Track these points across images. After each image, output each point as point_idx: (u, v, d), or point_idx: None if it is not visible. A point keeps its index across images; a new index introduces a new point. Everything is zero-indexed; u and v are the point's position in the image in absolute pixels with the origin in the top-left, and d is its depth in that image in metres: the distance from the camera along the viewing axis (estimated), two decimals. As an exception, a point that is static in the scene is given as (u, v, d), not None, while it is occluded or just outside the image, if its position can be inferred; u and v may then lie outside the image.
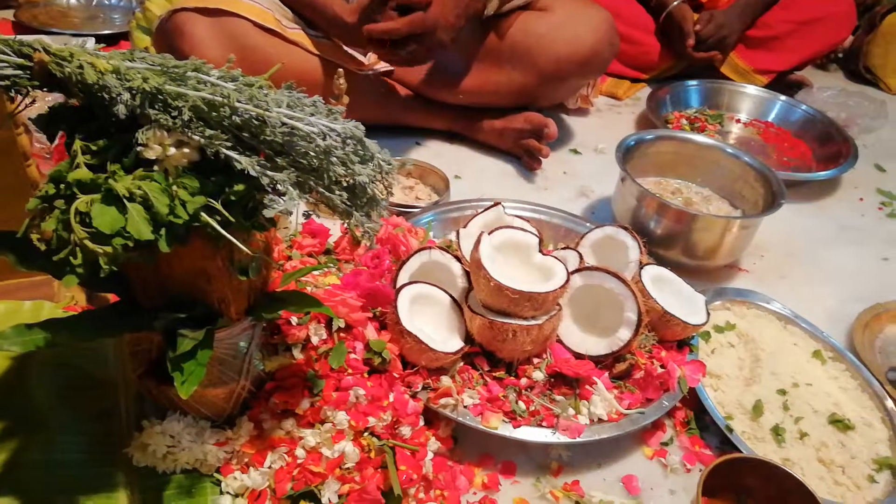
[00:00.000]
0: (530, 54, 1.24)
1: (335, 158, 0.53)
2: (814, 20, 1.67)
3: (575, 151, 1.42)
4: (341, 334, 0.75)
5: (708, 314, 0.88)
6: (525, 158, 1.31)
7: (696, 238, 1.05)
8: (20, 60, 0.49)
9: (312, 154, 0.52)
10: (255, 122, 0.51)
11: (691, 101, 1.62)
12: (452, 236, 0.96)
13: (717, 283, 1.09)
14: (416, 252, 0.85)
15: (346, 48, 1.22)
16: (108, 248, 0.47)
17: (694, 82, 1.63)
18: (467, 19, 1.15)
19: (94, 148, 0.50)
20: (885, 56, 1.91)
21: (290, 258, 0.92)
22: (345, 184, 0.55)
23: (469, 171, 1.30)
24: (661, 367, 0.81)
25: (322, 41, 1.21)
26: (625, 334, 0.79)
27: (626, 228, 0.95)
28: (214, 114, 0.50)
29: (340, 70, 1.03)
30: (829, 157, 1.48)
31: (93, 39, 1.45)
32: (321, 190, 0.54)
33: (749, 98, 1.63)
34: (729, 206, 1.20)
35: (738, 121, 1.62)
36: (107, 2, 1.67)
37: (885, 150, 1.62)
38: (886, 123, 1.71)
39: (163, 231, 0.49)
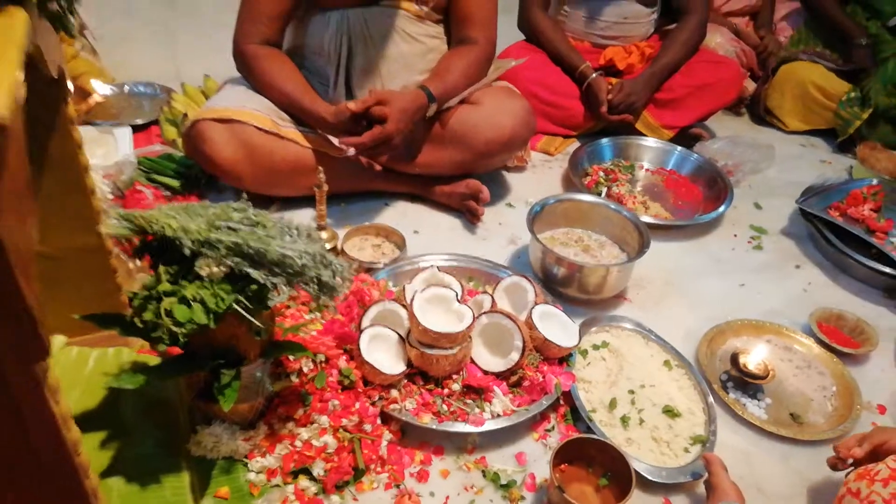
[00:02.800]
0: (466, 139, 1.60)
1: (309, 268, 0.89)
2: (707, 85, 2.02)
3: (510, 205, 1.78)
4: (323, 364, 1.12)
5: (579, 338, 1.24)
6: (467, 215, 1.68)
7: (585, 280, 1.41)
8: (129, 225, 0.85)
9: (296, 266, 0.88)
10: (262, 251, 0.87)
11: (605, 156, 1.97)
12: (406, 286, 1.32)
13: (604, 311, 1.44)
14: (375, 303, 1.21)
15: (329, 137, 1.58)
16: (184, 329, 0.83)
17: (606, 140, 1.99)
18: (416, 123, 1.52)
19: (171, 270, 0.86)
20: (780, 100, 2.27)
21: (289, 307, 1.28)
22: (315, 281, 0.91)
23: (426, 225, 1.66)
24: (542, 377, 1.17)
25: (310, 134, 1.57)
26: (515, 356, 1.15)
27: (526, 277, 1.31)
28: (238, 249, 0.86)
29: (321, 168, 1.39)
30: (715, 198, 1.84)
31: (129, 128, 1.81)
32: (302, 285, 0.90)
33: (652, 150, 1.99)
34: (619, 250, 1.56)
35: (648, 170, 1.98)
36: (137, 91, 2.03)
37: (767, 189, 1.97)
38: (773, 164, 2.07)
39: (211, 316, 0.85)
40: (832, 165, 2.13)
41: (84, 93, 1.89)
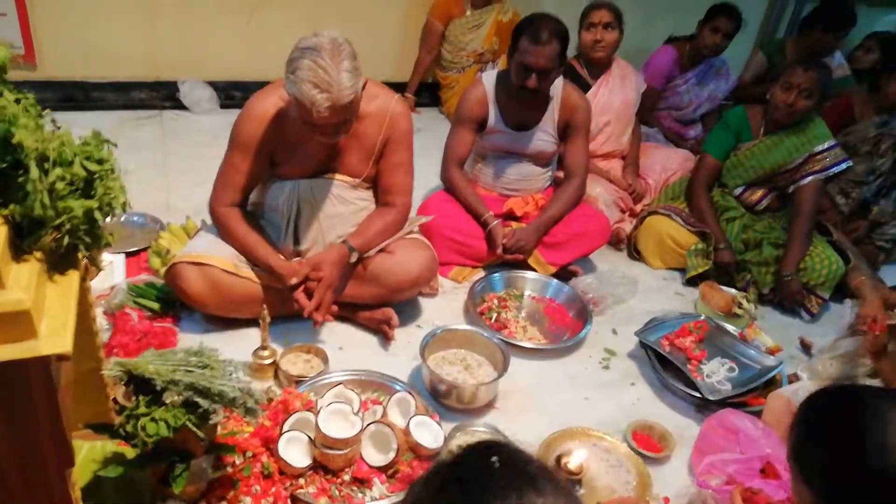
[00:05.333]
0: (382, 279, 2.06)
1: (239, 399, 1.31)
2: (582, 234, 2.52)
3: (419, 326, 2.22)
4: (250, 459, 1.52)
5: (444, 441, 1.65)
6: (381, 336, 2.11)
7: (460, 394, 1.84)
8: (121, 369, 1.27)
9: (230, 397, 1.30)
10: (208, 387, 1.29)
11: (497, 287, 2.43)
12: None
13: (475, 418, 1.86)
14: (295, 412, 1.62)
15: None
16: (152, 439, 1.24)
17: (497, 274, 2.44)
18: (344, 268, 1.98)
19: (146, 399, 1.28)
20: (645, 243, 2.77)
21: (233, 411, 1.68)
22: (243, 407, 1.32)
23: (350, 343, 2.09)
24: (412, 470, 1.58)
25: (261, 273, 2.01)
26: (392, 455, 1.56)
27: (411, 392, 1.74)
28: (192, 385, 1.28)
29: (265, 305, 1.82)
30: (582, 324, 2.29)
31: (123, 255, 2.24)
32: (234, 409, 1.32)
33: (536, 281, 2.45)
34: (492, 369, 2.00)
35: (533, 297, 2.44)
36: (132, 221, 2.47)
37: (626, 317, 2.42)
38: (635, 296, 2.55)
39: (171, 430, 1.26)
40: (683, 297, 2.61)
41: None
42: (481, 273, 2.54)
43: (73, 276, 1.00)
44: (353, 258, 2.00)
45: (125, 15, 3.33)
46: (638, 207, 2.94)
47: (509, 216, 2.59)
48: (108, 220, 1.06)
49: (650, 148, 3.21)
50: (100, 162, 1.05)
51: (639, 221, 2.81)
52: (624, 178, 2.97)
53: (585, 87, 2.84)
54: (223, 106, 3.60)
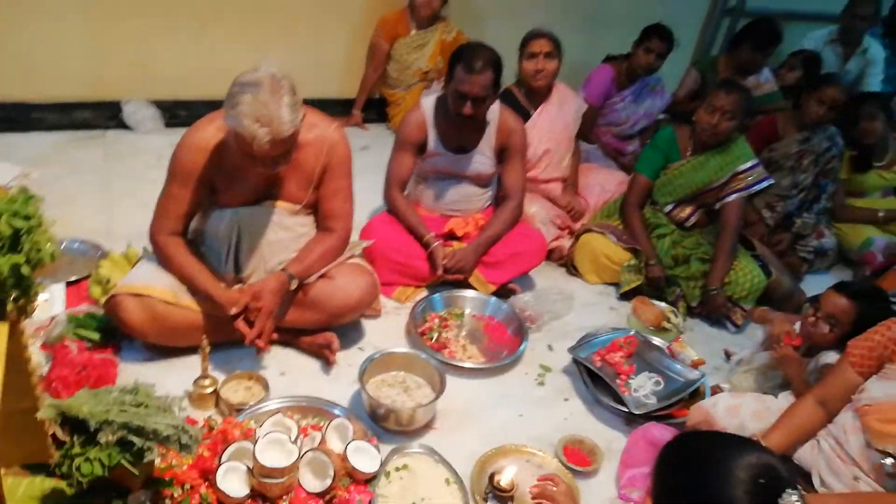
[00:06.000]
0: (322, 305, 2.11)
1: (172, 436, 1.35)
2: (519, 253, 2.61)
3: (361, 349, 2.27)
4: (189, 490, 1.55)
5: (380, 464, 1.71)
6: (323, 360, 2.16)
7: (398, 417, 1.90)
8: (56, 410, 1.30)
9: (164, 434, 1.34)
10: (142, 426, 1.33)
11: (438, 307, 2.50)
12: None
13: (413, 439, 1.92)
14: (234, 441, 1.66)
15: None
16: (88, 479, 1.27)
17: (437, 294, 2.51)
18: (284, 295, 2.02)
19: (80, 439, 1.31)
20: (581, 260, 2.88)
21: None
22: (177, 443, 1.36)
23: (292, 367, 2.14)
24: (348, 496, 1.63)
25: (203, 301, 2.04)
26: (328, 481, 1.62)
27: (349, 418, 1.80)
28: (126, 424, 1.32)
29: (204, 336, 1.86)
30: (520, 341, 2.38)
31: (64, 284, 2.24)
32: (168, 445, 1.36)
33: (475, 300, 2.53)
34: (430, 390, 2.07)
35: (473, 315, 2.51)
36: (72, 248, 2.46)
37: (562, 333, 2.52)
38: (571, 311, 2.65)
39: (106, 469, 1.29)
40: (617, 312, 2.73)
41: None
42: (425, 292, 2.61)
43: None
44: (294, 285, 2.05)
45: (66, 34, 3.30)
46: (576, 225, 3.04)
47: (450, 236, 2.66)
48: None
49: (591, 169, 3.31)
50: (26, 218, 1.08)
51: (575, 239, 2.91)
52: (563, 197, 3.06)
53: (525, 115, 2.94)
54: (168, 125, 3.59)
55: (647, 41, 3.43)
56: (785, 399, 1.99)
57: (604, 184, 3.23)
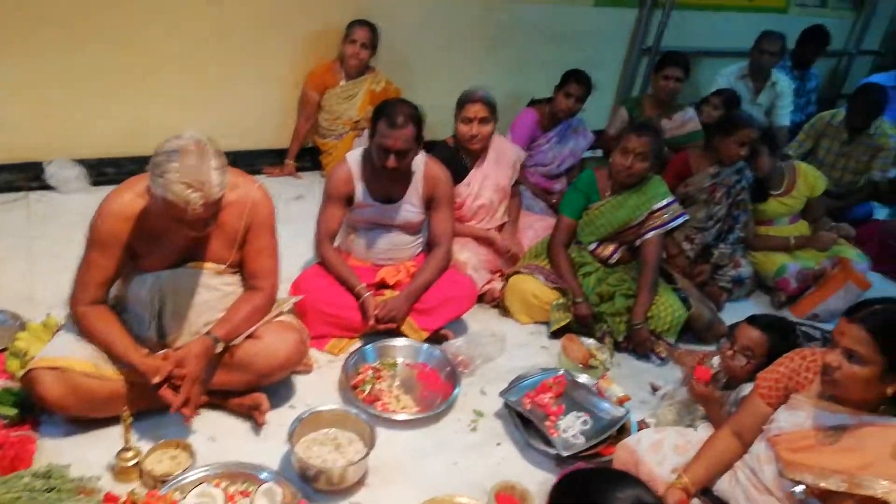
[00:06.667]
0: (250, 366, 2.09)
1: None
2: (449, 298, 2.65)
3: (292, 406, 2.26)
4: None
5: (310, 529, 1.70)
6: (254, 421, 2.14)
7: (329, 476, 1.89)
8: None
9: (77, 519, 1.31)
10: (52, 513, 1.29)
11: (370, 358, 2.50)
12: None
13: (345, 497, 1.91)
14: (157, 515, 1.63)
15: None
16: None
17: (369, 346, 2.52)
18: (210, 358, 2.00)
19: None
20: (511, 301, 2.93)
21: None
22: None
23: (222, 431, 2.11)
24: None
25: (125, 369, 2.00)
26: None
27: (278, 482, 1.78)
28: None
29: (126, 408, 1.82)
30: (453, 388, 2.40)
31: (-21, 359, 2.16)
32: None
33: (408, 348, 2.55)
34: (363, 445, 2.06)
35: (407, 364, 2.53)
36: (-10, 319, 2.39)
37: (495, 376, 2.55)
38: (504, 353, 2.69)
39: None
40: (549, 350, 2.78)
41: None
42: (358, 343, 2.61)
43: None
44: (219, 348, 2.03)
45: (-18, 95, 3.23)
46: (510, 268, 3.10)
47: (383, 285, 2.69)
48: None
49: (522, 214, 3.37)
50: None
51: (505, 280, 2.97)
52: (502, 241, 3.11)
53: (463, 168, 3.01)
54: (95, 183, 3.53)
55: (567, 86, 3.57)
56: (705, 431, 2.06)
57: (535, 227, 3.31)
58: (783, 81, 4.70)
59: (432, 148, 2.99)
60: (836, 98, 6.21)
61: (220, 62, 3.69)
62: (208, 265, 2.10)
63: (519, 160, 3.24)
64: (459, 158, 3.07)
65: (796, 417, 1.76)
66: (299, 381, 2.37)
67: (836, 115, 4.25)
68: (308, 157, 4.15)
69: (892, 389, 1.60)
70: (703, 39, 5.24)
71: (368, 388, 2.35)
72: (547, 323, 2.89)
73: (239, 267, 2.18)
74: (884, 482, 1.55)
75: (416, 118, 2.47)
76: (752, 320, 2.20)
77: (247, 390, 2.14)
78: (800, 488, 1.70)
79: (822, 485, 1.63)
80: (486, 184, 3.11)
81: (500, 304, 3.00)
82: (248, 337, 2.12)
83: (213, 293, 2.12)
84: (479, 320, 2.90)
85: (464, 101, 2.99)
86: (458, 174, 3.03)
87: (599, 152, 4.34)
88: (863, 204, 4.28)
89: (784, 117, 4.69)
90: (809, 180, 3.47)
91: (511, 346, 2.74)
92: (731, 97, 4.09)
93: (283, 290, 2.50)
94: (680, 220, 2.86)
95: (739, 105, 4.07)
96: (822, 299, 3.22)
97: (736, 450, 1.87)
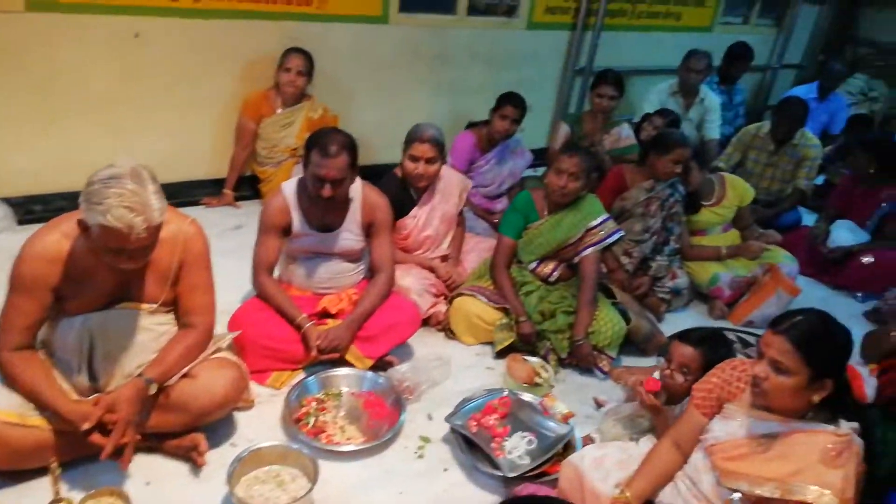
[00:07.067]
0: (186, 406, 2.03)
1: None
2: (393, 324, 2.63)
3: (233, 444, 2.20)
4: None
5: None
6: (193, 463, 2.07)
7: (269, 515, 1.85)
8: None
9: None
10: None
11: (313, 389, 2.46)
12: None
13: (289, 535, 1.88)
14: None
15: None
16: None
17: (311, 377, 2.47)
18: (144, 401, 1.93)
19: None
20: (457, 324, 2.94)
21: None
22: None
23: (159, 475, 2.03)
24: None
25: (54, 416, 1.92)
26: None
27: (217, 526, 1.72)
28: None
29: (53, 458, 1.74)
30: (399, 414, 2.38)
31: None
32: None
33: (351, 377, 2.50)
34: (307, 480, 2.02)
35: (352, 394, 2.49)
36: None
37: (441, 400, 2.53)
38: (449, 376, 2.68)
39: None
40: (494, 371, 2.79)
41: None
42: (302, 375, 2.56)
43: None
44: (153, 390, 1.97)
45: None
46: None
47: (325, 314, 2.65)
48: None
49: (466, 238, 3.38)
50: None
51: (449, 303, 2.97)
52: (444, 268, 3.10)
53: (411, 203, 3.03)
54: (22, 222, 3.39)
55: (502, 108, 3.63)
56: (646, 444, 2.09)
57: (477, 248, 3.33)
58: (711, 97, 4.89)
59: (379, 177, 2.99)
60: (763, 110, 6.48)
61: (150, 94, 3.62)
62: (140, 305, 2.04)
63: (465, 189, 3.25)
64: (407, 190, 3.06)
65: (730, 427, 1.80)
66: (240, 418, 2.31)
67: (762, 128, 4.44)
68: (247, 186, 4.09)
69: (818, 397, 1.66)
70: (634, 58, 5.41)
71: (312, 420, 2.31)
72: (492, 343, 2.90)
73: (173, 305, 2.12)
74: (813, 487, 1.60)
75: (350, 146, 2.46)
76: (684, 337, 2.24)
77: (184, 431, 2.08)
78: (736, 496, 1.73)
79: (758, 492, 1.67)
80: (432, 215, 3.11)
81: (445, 327, 3.00)
82: (184, 376, 2.06)
83: (147, 333, 2.06)
84: (426, 344, 2.89)
85: (412, 139, 2.95)
86: (406, 206, 3.04)
87: (542, 170, 4.41)
88: (791, 211, 4.45)
89: (714, 131, 4.88)
90: (738, 190, 3.59)
91: (457, 369, 2.73)
92: (675, 120, 4.21)
93: (222, 324, 2.45)
94: (615, 237, 2.92)
95: (680, 126, 4.20)
96: (756, 306, 3.33)
97: (676, 461, 1.90)
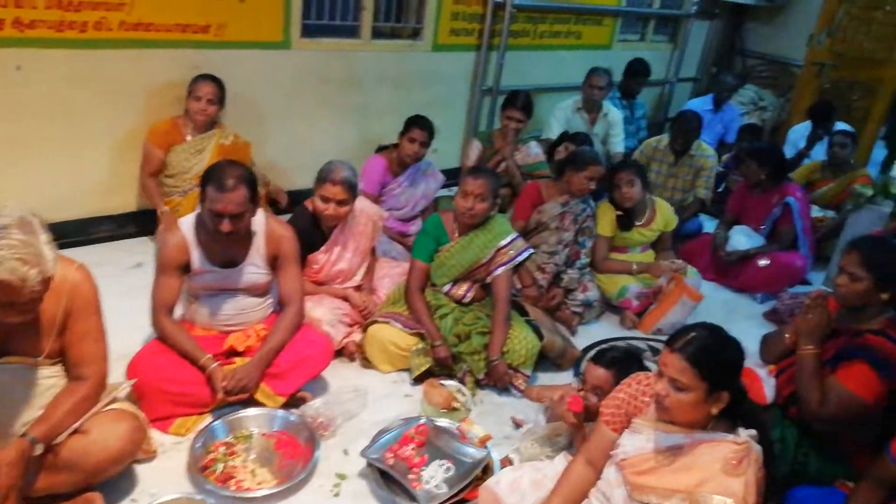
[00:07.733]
0: (78, 464, 1.88)
1: None
2: (304, 359, 2.54)
3: (133, 500, 2.06)
4: None
5: None
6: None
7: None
8: None
9: None
10: None
11: (220, 434, 2.33)
12: None
13: None
14: None
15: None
16: None
17: (218, 422, 2.35)
18: (29, 462, 1.78)
19: None
20: (372, 352, 2.87)
21: None
22: None
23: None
24: None
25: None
26: None
27: None
28: None
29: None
30: (313, 452, 2.29)
31: None
32: None
33: (260, 417, 2.40)
34: (213, 532, 1.92)
35: (263, 434, 2.39)
36: None
37: (358, 433, 2.47)
38: (366, 407, 2.62)
39: None
40: (412, 398, 2.74)
41: None
42: (209, 419, 2.44)
43: None
44: (39, 450, 1.82)
45: None
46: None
47: (232, 353, 2.54)
48: None
49: (380, 265, 3.33)
50: None
51: (363, 331, 2.91)
52: (358, 298, 3.04)
53: (323, 237, 2.96)
54: None
55: (410, 132, 3.62)
56: (561, 461, 2.10)
57: (391, 274, 3.28)
58: (614, 112, 5.05)
59: (293, 205, 2.88)
60: (664, 123, 6.75)
61: (36, 131, 3.38)
62: (21, 359, 1.89)
63: (380, 219, 3.20)
64: (318, 225, 2.97)
65: (638, 440, 1.83)
66: (142, 470, 2.17)
67: (661, 140, 4.62)
68: (149, 221, 3.89)
69: (717, 408, 1.71)
70: (539, 77, 5.53)
71: (220, 466, 2.20)
72: (409, 370, 2.86)
73: (60, 356, 1.97)
74: (717, 497, 1.64)
75: (247, 179, 2.37)
76: (595, 359, 2.28)
77: (78, 491, 1.93)
78: (648, 509, 1.75)
79: (667, 504, 1.70)
80: (345, 249, 3.04)
81: (360, 357, 2.93)
82: (75, 432, 1.92)
83: (31, 389, 1.91)
84: (341, 376, 2.81)
85: (324, 179, 2.84)
86: (317, 241, 2.96)
87: (456, 190, 4.41)
88: (693, 219, 4.63)
89: (618, 145, 5.04)
90: (665, 215, 3.71)
91: (374, 399, 2.67)
92: (585, 139, 4.31)
93: (120, 370, 2.31)
94: (525, 255, 2.95)
95: (592, 146, 4.31)
96: (663, 314, 3.43)
97: (589, 477, 1.92)
